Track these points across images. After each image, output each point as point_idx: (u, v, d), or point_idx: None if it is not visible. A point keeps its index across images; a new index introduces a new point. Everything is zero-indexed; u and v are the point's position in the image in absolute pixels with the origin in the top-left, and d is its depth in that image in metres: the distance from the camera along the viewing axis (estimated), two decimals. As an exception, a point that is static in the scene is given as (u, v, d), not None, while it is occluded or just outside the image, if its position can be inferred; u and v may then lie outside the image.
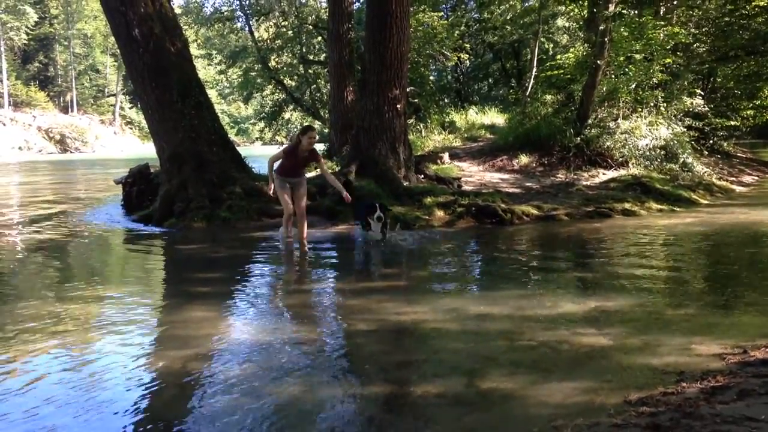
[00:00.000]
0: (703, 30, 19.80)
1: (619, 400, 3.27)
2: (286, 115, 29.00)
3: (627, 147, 14.12)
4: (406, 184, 11.58)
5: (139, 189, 12.21)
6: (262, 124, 30.46)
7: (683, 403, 3.09)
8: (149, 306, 5.76)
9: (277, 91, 26.22)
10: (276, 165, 8.57)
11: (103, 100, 73.86)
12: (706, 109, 17.82)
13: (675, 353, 4.01)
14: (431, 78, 24.89)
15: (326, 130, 19.98)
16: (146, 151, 38.83)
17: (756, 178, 18.09)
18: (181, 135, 11.04)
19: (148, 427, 3.26)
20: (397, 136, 11.85)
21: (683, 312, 5.02)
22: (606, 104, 15.38)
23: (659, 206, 11.57)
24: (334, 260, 7.81)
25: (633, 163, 13.91)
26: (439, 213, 10.45)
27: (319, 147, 20.88)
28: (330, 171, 13.07)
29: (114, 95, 72.88)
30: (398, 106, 11.78)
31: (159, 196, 11.15)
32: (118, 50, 12.36)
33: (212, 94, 41.01)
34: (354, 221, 9.51)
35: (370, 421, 3.19)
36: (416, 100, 19.04)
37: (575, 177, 13.70)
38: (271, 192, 8.62)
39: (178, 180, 10.82)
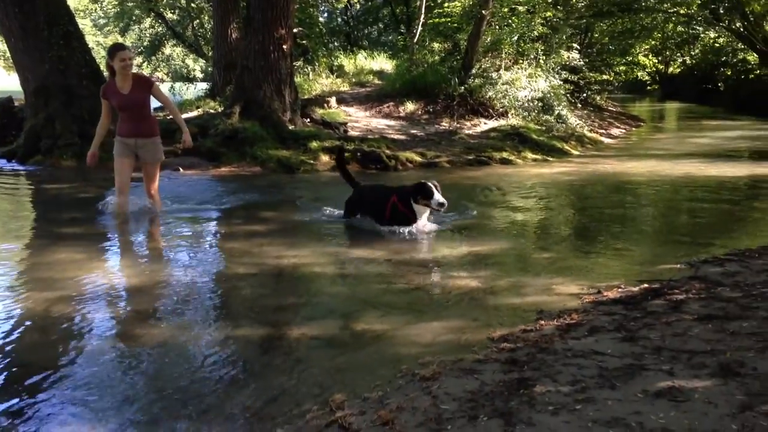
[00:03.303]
0: (583, -15, 20.52)
1: (483, 338, 3.47)
2: (167, 51, 27.59)
3: (507, 98, 14.56)
4: (291, 127, 11.42)
5: (1, 123, 11.36)
6: (140, 59, 28.77)
7: (540, 339, 3.33)
8: (11, 247, 5.42)
9: (157, 24, 24.78)
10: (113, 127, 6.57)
11: (-41, 24, 66.82)
12: (582, 63, 18.66)
13: (537, 294, 4.28)
14: (321, 20, 24.38)
15: (210, 69, 19.18)
16: (10, 83, 35.77)
17: (623, 131, 19.26)
18: (47, 66, 10.31)
19: (6, 371, 3.11)
20: (283, 78, 11.59)
21: (548, 255, 5.35)
22: (490, 55, 15.72)
23: (534, 156, 12.13)
24: (214, 203, 7.62)
25: (512, 114, 14.38)
26: (325, 158, 10.44)
27: (202, 86, 20.14)
28: (213, 111, 12.73)
29: (-28, 19, 66.09)
30: (284, 46, 11.49)
31: (24, 131, 10.44)
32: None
33: (85, 24, 38.17)
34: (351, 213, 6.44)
35: (245, 364, 3.21)
36: (304, 42, 18.59)
37: (458, 125, 14.01)
38: (88, 158, 6.38)
39: (44, 114, 10.16)
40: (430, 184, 5.78)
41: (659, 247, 5.82)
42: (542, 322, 3.67)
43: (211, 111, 12.79)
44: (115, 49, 6.28)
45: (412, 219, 5.91)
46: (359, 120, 14.00)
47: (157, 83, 6.47)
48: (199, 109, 13.51)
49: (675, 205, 8.18)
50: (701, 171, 10.43)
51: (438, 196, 5.71)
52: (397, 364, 3.14)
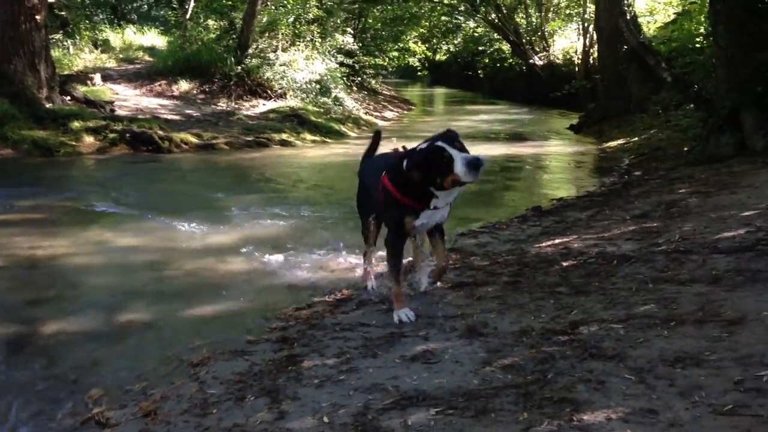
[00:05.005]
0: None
1: (257, 319, 3.48)
2: None
3: (286, 79, 14.59)
4: (48, 105, 10.39)
5: None
6: None
7: (311, 316, 3.42)
8: None
9: None
10: None
11: None
12: (356, 47, 19.27)
13: (313, 270, 4.37)
14: (82, -11, 22.32)
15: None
16: None
17: (396, 113, 20.29)
18: None
19: None
20: (37, 52, 10.48)
21: (323, 234, 5.41)
22: (267, 35, 15.62)
23: (313, 137, 12.32)
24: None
25: (291, 95, 14.45)
26: (89, 139, 9.68)
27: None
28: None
29: None
30: (38, 16, 10.42)
31: None
32: None
33: None
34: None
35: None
36: (63, 13, 16.95)
37: (236, 106, 13.77)
38: None
39: None
40: (443, 145, 2.95)
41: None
42: (315, 299, 3.76)
43: None
44: None
45: (417, 206, 3.15)
46: (128, 98, 13.16)
47: None
48: None
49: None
50: (463, 151, 11.33)
51: (459, 164, 2.87)
52: (164, 350, 3.04)
